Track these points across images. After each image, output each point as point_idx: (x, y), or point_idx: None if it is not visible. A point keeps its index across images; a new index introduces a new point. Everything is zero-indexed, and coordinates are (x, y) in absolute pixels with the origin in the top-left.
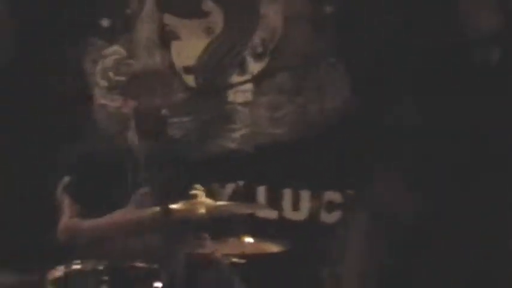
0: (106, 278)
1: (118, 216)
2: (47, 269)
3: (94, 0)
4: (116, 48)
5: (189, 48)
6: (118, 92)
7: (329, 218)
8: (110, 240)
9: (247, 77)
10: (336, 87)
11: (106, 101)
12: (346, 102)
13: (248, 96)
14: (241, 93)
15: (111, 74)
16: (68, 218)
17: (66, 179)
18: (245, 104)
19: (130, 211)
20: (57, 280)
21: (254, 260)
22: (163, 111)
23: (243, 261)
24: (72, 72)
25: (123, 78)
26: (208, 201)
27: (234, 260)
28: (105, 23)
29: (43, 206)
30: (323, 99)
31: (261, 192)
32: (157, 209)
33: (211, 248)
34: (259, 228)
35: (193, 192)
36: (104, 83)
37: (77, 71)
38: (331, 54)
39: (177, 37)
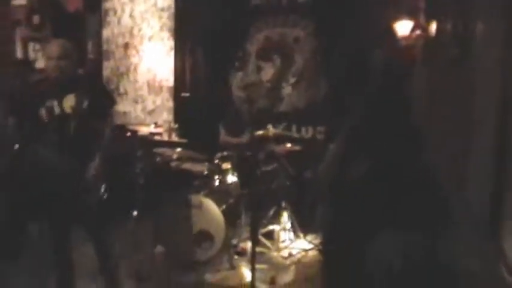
0: (234, 160)
1: (240, 138)
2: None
3: (229, 58)
4: (240, 73)
5: (267, 73)
6: (241, 90)
7: (320, 136)
8: (237, 145)
9: (289, 84)
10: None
11: (237, 93)
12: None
13: (289, 91)
14: (286, 89)
15: (239, 83)
16: (223, 136)
17: (222, 122)
18: (288, 95)
19: (245, 136)
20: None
21: (291, 153)
22: (257, 97)
23: (285, 154)
24: (224, 83)
25: (242, 85)
26: (273, 130)
27: (282, 154)
28: (236, 64)
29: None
30: (319, 93)
31: (293, 128)
32: (253, 134)
33: (273, 148)
34: (293, 141)
35: (268, 127)
36: (235, 86)
37: (226, 82)
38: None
39: (262, 69)
